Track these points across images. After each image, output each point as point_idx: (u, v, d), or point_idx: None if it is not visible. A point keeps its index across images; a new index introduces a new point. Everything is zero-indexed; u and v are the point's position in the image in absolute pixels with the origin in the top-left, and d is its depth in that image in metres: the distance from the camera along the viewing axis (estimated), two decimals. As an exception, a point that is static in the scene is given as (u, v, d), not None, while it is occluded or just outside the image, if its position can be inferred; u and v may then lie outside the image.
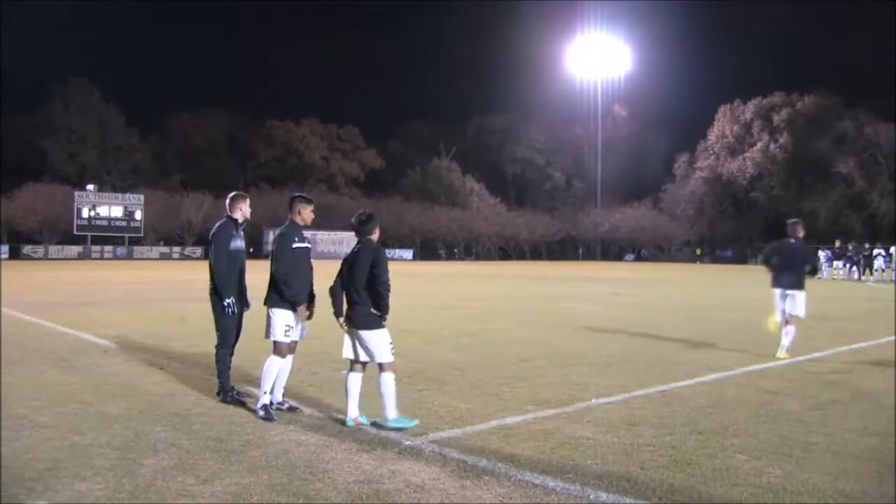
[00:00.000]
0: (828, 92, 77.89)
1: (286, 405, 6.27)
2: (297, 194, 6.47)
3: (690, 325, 13.23)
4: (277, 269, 6.02)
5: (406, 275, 35.76)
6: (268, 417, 5.92)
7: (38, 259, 55.38)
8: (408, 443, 5.27)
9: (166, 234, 66.82)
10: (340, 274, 5.81)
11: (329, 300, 5.81)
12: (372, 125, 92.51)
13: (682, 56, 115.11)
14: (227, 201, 6.76)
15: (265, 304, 6.13)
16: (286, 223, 6.25)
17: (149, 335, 11.00)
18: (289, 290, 6.00)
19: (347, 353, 5.79)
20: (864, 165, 71.46)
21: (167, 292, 20.68)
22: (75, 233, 60.34)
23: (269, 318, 6.10)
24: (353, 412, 5.77)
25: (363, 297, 5.62)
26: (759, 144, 79.54)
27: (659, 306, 17.89)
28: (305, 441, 5.31)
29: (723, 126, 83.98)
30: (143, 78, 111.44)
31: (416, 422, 5.75)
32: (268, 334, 6.14)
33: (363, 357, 5.74)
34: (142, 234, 63.73)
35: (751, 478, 4.59)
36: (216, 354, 6.61)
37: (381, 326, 5.66)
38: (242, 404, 6.39)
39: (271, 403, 6.12)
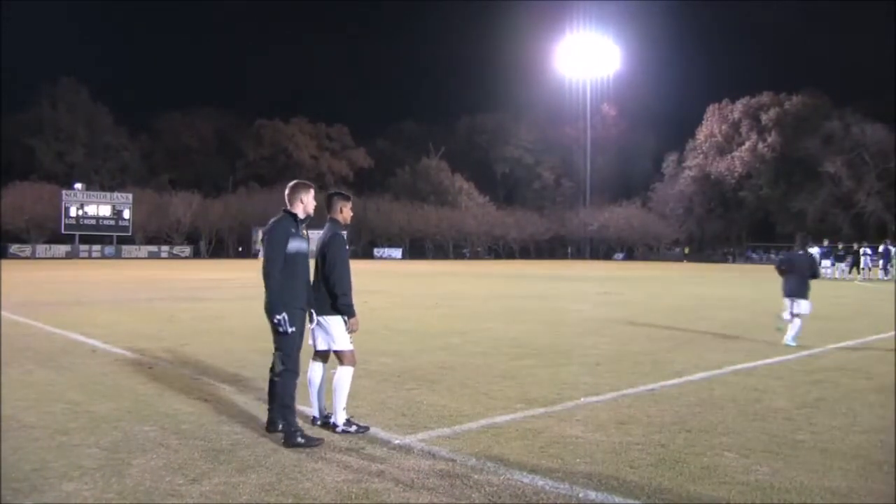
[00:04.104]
0: (816, 91, 78.48)
1: (322, 419, 5.66)
2: (335, 191, 5.77)
3: (679, 324, 13.28)
4: (336, 274, 5.38)
5: (397, 274, 35.76)
6: (361, 430, 5.46)
7: (26, 258, 54.96)
8: (397, 441, 5.26)
9: (155, 234, 66.53)
10: None
11: None
12: (361, 124, 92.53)
13: (671, 55, 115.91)
14: (287, 192, 5.44)
15: (316, 311, 5.47)
16: (328, 223, 5.57)
17: (137, 335, 10.93)
18: (345, 299, 5.40)
19: None
20: (852, 165, 72.00)
21: (156, 292, 20.55)
22: (63, 232, 60.05)
23: (324, 326, 5.49)
24: None
25: None
26: (747, 144, 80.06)
27: (648, 305, 17.94)
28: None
29: (711, 125, 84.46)
30: (132, 77, 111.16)
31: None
32: (325, 344, 5.54)
33: None
34: (130, 234, 63.42)
35: (739, 476, 4.61)
36: (276, 381, 5.30)
37: None
38: (310, 443, 5.16)
39: (317, 419, 5.69)
